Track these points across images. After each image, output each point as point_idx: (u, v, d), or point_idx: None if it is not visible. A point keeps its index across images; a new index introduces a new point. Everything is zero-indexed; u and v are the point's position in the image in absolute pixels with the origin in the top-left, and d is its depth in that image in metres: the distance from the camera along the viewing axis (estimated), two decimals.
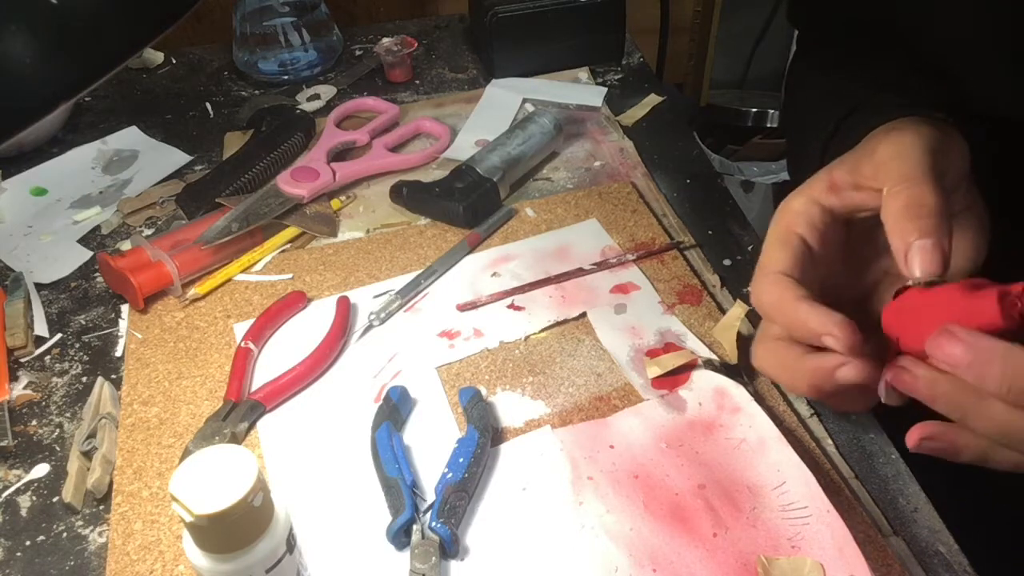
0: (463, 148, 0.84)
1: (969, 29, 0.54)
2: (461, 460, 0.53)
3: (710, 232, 0.75)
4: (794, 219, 0.46)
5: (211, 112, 0.93)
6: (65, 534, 0.54)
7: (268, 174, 0.79)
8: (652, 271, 0.70)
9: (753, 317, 0.65)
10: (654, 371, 0.59)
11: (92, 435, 0.59)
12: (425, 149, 0.84)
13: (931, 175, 0.42)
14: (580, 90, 0.93)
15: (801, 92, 0.66)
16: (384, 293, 0.69)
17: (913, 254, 0.41)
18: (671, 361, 0.59)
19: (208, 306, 0.69)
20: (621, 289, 0.68)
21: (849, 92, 0.56)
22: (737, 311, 0.63)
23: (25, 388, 0.63)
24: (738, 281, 0.70)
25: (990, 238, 0.47)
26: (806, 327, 0.42)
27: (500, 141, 0.80)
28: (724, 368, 0.60)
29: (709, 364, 0.60)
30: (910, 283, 0.42)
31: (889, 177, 0.43)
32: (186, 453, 0.57)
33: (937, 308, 0.40)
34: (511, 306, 0.67)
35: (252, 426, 0.59)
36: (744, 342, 0.62)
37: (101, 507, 0.56)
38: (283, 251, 0.74)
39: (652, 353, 0.62)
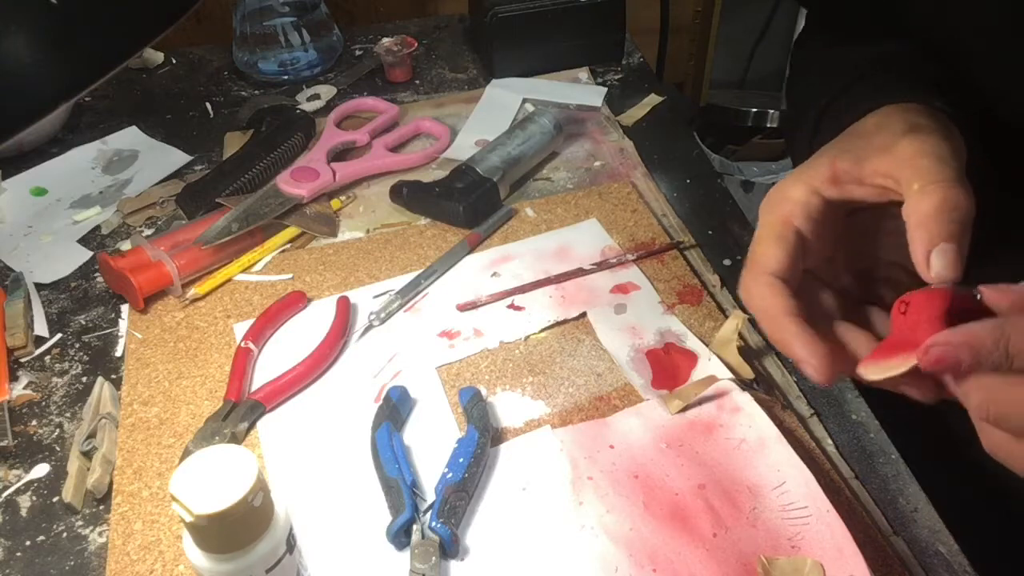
0: (463, 148, 0.84)
1: (988, 15, 0.53)
2: (461, 460, 0.53)
3: (710, 232, 0.75)
4: (792, 209, 0.45)
5: (211, 112, 0.93)
6: (65, 534, 0.54)
7: (268, 174, 0.79)
8: (652, 271, 0.70)
9: (753, 325, 0.65)
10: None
11: (92, 435, 0.59)
12: (425, 149, 0.84)
13: (964, 181, 0.41)
14: (580, 90, 0.93)
15: (804, 67, 0.65)
16: (384, 293, 0.68)
17: (936, 257, 0.40)
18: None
19: (208, 306, 0.69)
20: (621, 289, 0.68)
21: (850, 65, 0.55)
22: (732, 324, 0.62)
23: (25, 388, 0.63)
24: (738, 281, 0.70)
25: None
26: (789, 348, 0.42)
27: (500, 141, 0.79)
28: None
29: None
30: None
31: (920, 175, 0.42)
32: (186, 453, 0.57)
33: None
34: (511, 306, 0.67)
35: (252, 426, 0.59)
36: (746, 353, 0.61)
37: (101, 507, 0.56)
38: (283, 251, 0.74)
39: (653, 357, 0.62)
